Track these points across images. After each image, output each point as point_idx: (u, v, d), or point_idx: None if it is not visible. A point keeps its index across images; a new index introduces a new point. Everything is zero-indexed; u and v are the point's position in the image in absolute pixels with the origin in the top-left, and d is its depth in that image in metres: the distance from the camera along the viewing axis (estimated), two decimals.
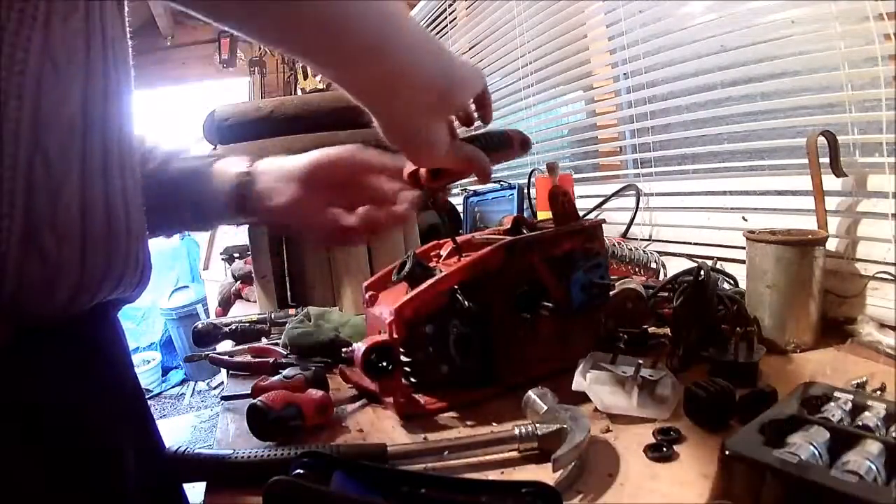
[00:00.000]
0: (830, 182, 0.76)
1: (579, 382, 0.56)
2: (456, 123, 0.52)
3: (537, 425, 0.48)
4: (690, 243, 1.06)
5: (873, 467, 0.34)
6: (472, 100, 0.50)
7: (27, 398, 0.41)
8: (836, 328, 0.72)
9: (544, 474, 0.44)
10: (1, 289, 0.37)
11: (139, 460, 0.51)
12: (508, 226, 0.72)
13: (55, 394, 0.43)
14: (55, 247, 0.40)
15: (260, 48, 3.55)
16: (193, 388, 3.62)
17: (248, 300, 1.35)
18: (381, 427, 0.58)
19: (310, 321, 0.87)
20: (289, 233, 0.97)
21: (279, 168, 0.58)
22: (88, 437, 0.46)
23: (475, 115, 0.53)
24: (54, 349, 0.44)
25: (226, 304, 1.48)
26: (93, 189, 0.43)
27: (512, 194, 1.45)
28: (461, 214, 1.60)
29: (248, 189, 0.58)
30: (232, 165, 0.60)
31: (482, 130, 0.54)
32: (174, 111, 4.00)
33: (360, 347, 0.57)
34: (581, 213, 0.76)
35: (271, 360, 0.75)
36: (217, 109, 1.04)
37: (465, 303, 0.60)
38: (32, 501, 0.40)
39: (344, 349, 0.65)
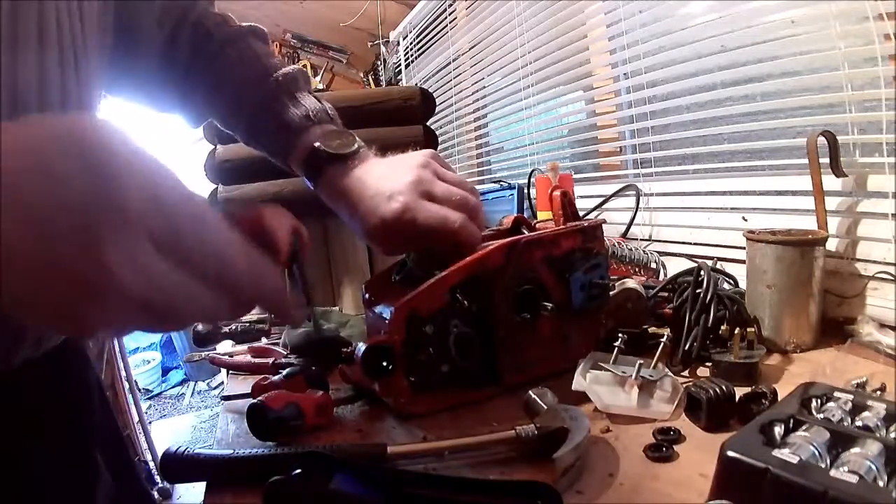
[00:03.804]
0: (830, 182, 0.76)
1: (579, 382, 0.56)
2: None
3: (537, 425, 0.48)
4: (690, 243, 1.06)
5: (873, 467, 0.34)
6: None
7: None
8: (836, 328, 0.72)
9: (544, 474, 0.44)
10: None
11: (116, 477, 0.51)
12: (508, 226, 0.72)
13: (27, 422, 0.43)
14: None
15: None
16: (193, 388, 3.62)
17: None
18: (381, 427, 0.58)
19: (309, 321, 0.87)
20: None
21: None
22: (62, 458, 0.45)
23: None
24: (21, 376, 0.43)
25: None
26: None
27: (512, 194, 1.45)
28: None
29: None
30: None
31: None
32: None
33: (360, 347, 0.57)
34: (581, 213, 0.76)
35: (271, 360, 0.75)
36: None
37: (465, 303, 0.60)
38: None
39: (344, 349, 0.65)
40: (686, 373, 0.64)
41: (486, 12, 1.84)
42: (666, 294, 0.77)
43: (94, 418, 0.53)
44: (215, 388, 3.49)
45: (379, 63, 3.16)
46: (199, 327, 0.96)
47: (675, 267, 0.96)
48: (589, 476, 0.44)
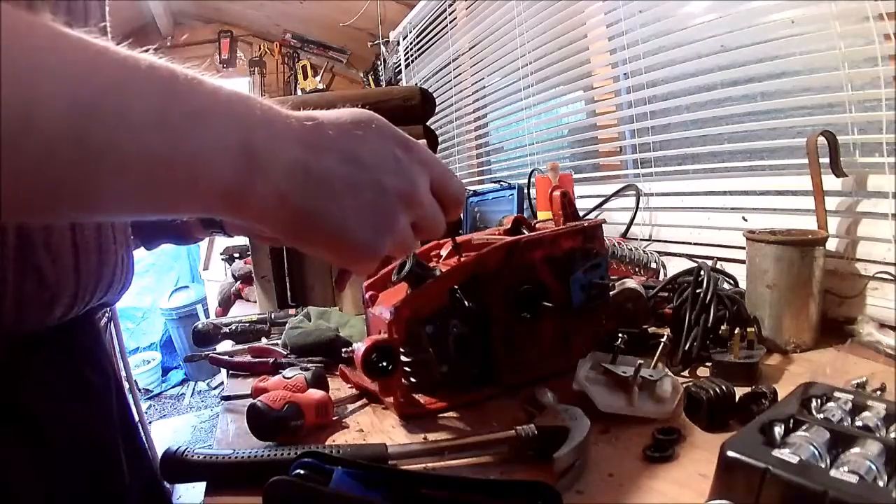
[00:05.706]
0: (830, 182, 0.76)
1: (579, 382, 0.56)
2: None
3: (537, 425, 0.48)
4: (690, 243, 1.06)
5: (873, 467, 0.34)
6: None
7: (25, 407, 0.40)
8: (836, 328, 0.72)
9: (544, 474, 0.44)
10: (0, 310, 0.37)
11: (129, 464, 0.51)
12: (508, 226, 0.72)
13: (51, 401, 0.43)
14: (51, 265, 0.40)
15: (260, 48, 3.56)
16: (193, 388, 3.61)
17: (248, 300, 1.35)
18: (381, 427, 0.58)
19: (310, 321, 0.87)
20: None
21: None
22: (87, 443, 0.45)
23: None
24: (45, 357, 0.43)
25: (226, 304, 1.48)
26: None
27: (512, 194, 1.45)
28: (461, 214, 1.60)
29: None
30: None
31: None
32: None
33: (360, 347, 0.57)
34: (581, 213, 0.76)
35: (271, 360, 0.75)
36: None
37: (465, 303, 0.60)
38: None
39: (344, 349, 0.65)
40: (686, 373, 0.64)
41: (486, 12, 1.84)
42: (666, 294, 0.77)
43: (110, 392, 0.53)
44: (215, 388, 3.49)
45: (379, 63, 3.16)
46: (200, 326, 0.96)
47: (675, 267, 0.96)
48: (589, 476, 0.44)
